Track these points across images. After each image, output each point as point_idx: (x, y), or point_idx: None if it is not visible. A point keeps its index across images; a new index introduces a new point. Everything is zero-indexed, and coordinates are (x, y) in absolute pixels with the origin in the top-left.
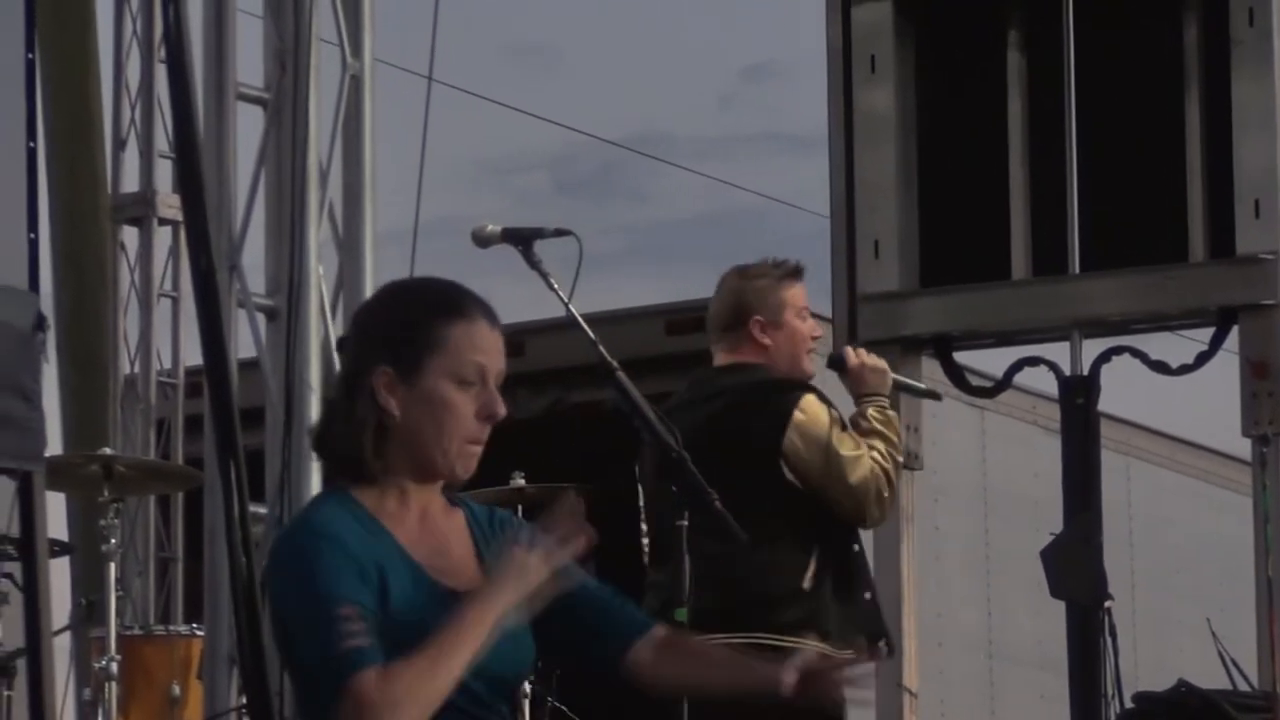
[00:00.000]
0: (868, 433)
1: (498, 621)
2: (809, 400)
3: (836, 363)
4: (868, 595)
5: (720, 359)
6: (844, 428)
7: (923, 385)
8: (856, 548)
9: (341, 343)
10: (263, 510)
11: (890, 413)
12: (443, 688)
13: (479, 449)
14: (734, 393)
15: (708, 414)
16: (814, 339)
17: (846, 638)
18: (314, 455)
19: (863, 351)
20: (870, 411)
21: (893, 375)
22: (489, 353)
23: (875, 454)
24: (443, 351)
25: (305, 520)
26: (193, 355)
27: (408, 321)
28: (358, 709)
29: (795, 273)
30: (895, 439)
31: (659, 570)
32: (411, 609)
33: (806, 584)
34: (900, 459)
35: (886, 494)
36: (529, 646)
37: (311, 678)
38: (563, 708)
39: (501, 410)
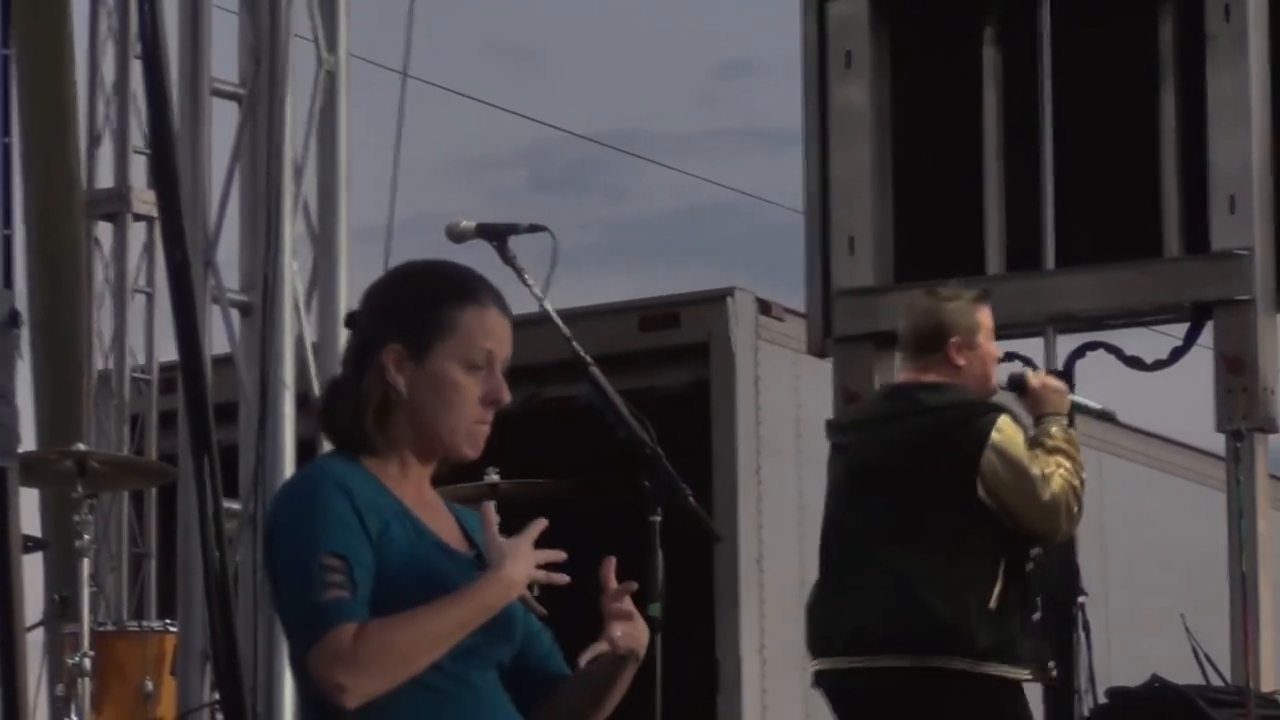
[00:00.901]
0: (1052, 450)
1: (490, 609)
2: (1005, 421)
3: (1017, 383)
4: (1036, 616)
5: (910, 376)
6: (1033, 447)
7: (1098, 406)
8: (1030, 567)
9: (351, 318)
10: (236, 506)
11: (1072, 431)
12: (418, 661)
13: (485, 429)
14: (937, 411)
15: (912, 430)
16: (998, 360)
17: (1028, 660)
18: (288, 450)
19: (1042, 373)
20: (1053, 430)
21: (1070, 396)
22: (498, 339)
23: (1063, 470)
24: (454, 335)
25: (315, 466)
26: (167, 351)
27: (422, 302)
28: (328, 661)
29: (984, 296)
30: (1078, 456)
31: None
32: (416, 560)
33: (993, 604)
34: (1084, 476)
35: (1076, 509)
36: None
37: (291, 624)
38: None
39: (506, 396)
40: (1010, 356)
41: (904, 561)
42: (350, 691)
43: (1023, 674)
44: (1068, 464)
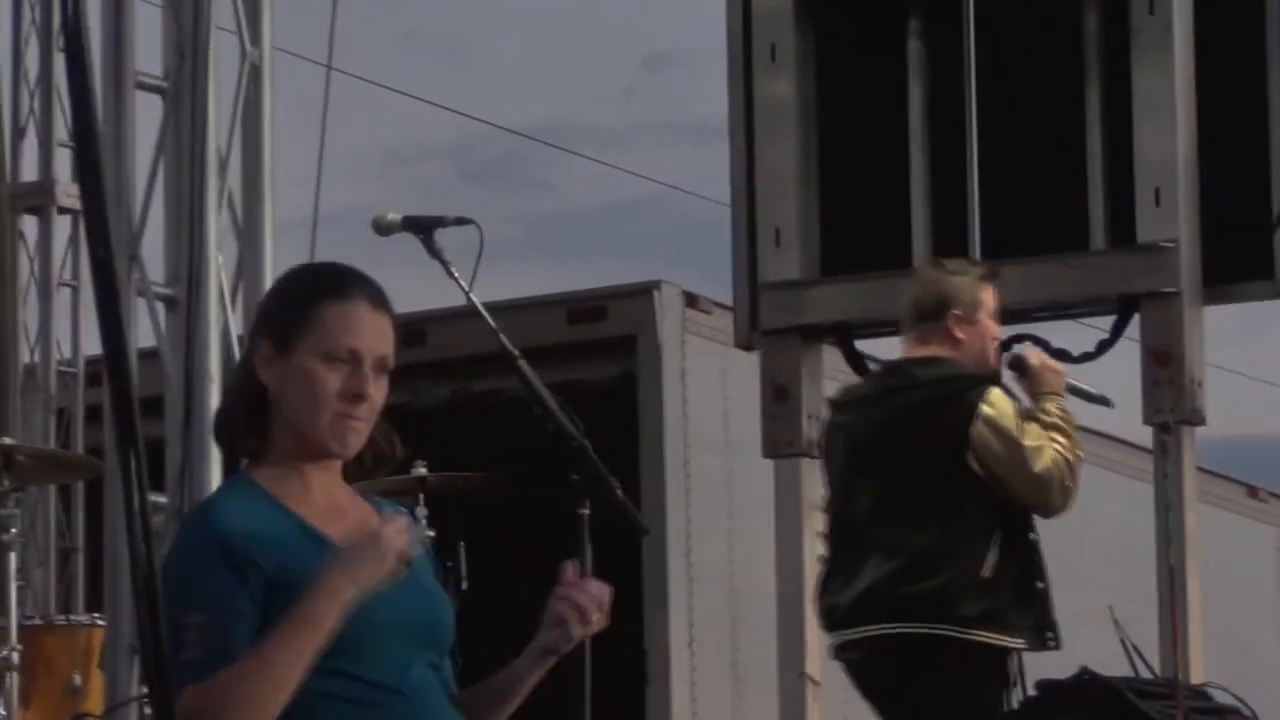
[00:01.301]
0: (1049, 426)
1: (322, 618)
2: (996, 393)
3: (1017, 363)
4: (1040, 585)
5: (911, 350)
6: (1027, 421)
7: (1094, 391)
8: (1033, 536)
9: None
10: (163, 500)
11: (1067, 408)
12: (275, 696)
13: (356, 424)
14: (929, 385)
15: (906, 403)
16: (997, 340)
17: (1021, 628)
18: (214, 444)
19: (1042, 353)
20: (1049, 406)
21: (1068, 380)
22: (363, 335)
23: (1057, 445)
24: (316, 329)
25: (201, 514)
26: (92, 344)
27: (291, 299)
28: (186, 710)
29: (992, 274)
30: (1073, 432)
31: None
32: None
33: (988, 572)
34: (1081, 453)
35: (1069, 483)
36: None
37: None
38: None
39: (369, 390)
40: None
41: (898, 538)
42: None
43: (1013, 642)
44: (1063, 440)
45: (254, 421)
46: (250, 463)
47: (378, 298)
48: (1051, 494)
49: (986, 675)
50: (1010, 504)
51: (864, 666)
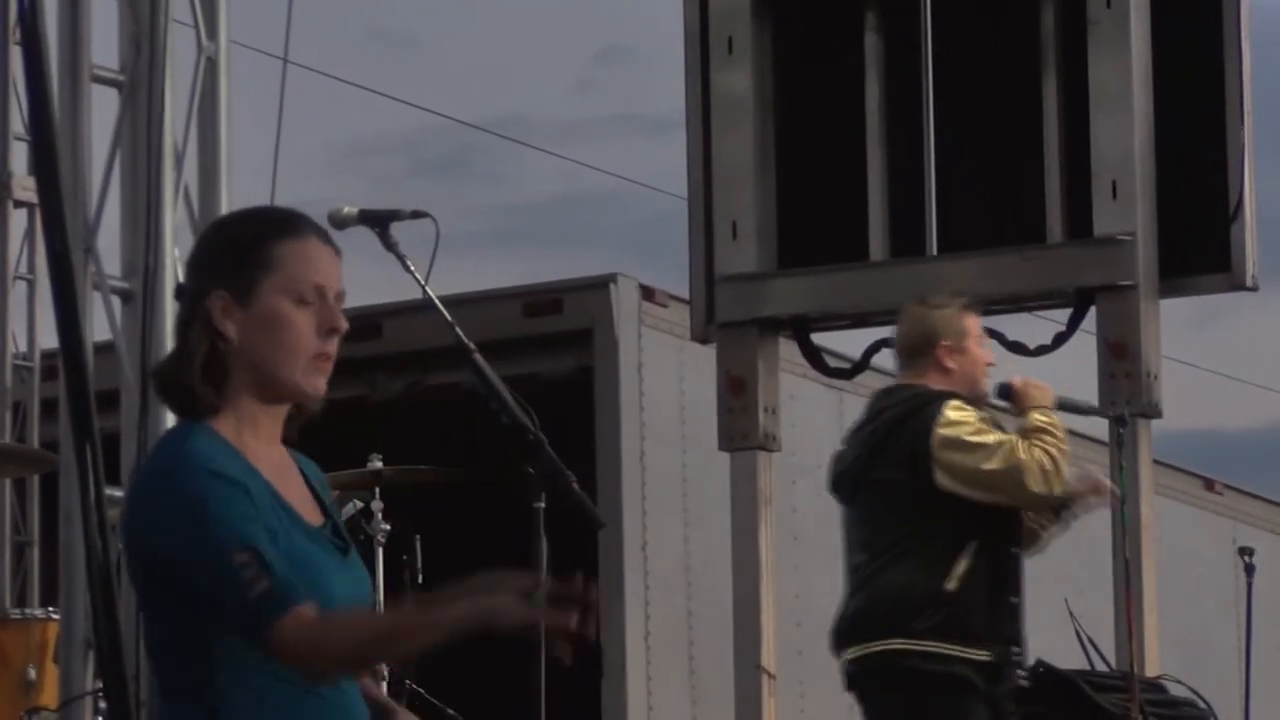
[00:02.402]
0: (1031, 431)
1: (447, 632)
2: (952, 405)
3: (1004, 390)
4: (1014, 600)
5: (900, 382)
6: (993, 426)
7: (1084, 402)
8: (1015, 550)
9: (179, 290)
10: (119, 493)
11: (1052, 415)
12: (368, 661)
13: (327, 364)
14: (891, 409)
15: (873, 429)
16: (989, 365)
17: (986, 640)
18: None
19: (1026, 377)
20: (1033, 416)
21: (1055, 394)
22: (325, 271)
23: (1036, 446)
24: (277, 270)
25: (184, 457)
26: (48, 338)
27: (239, 244)
28: (296, 645)
29: (972, 305)
30: (1059, 433)
31: None
32: (291, 545)
33: (951, 585)
34: (1065, 448)
35: (1049, 467)
36: (368, 589)
37: (238, 630)
38: (420, 690)
39: (343, 323)
40: (893, 342)
41: (872, 561)
42: (324, 675)
43: (972, 653)
44: (1044, 438)
45: (213, 376)
46: (195, 414)
47: (323, 232)
48: (1025, 482)
49: (945, 687)
50: (996, 509)
51: (853, 687)
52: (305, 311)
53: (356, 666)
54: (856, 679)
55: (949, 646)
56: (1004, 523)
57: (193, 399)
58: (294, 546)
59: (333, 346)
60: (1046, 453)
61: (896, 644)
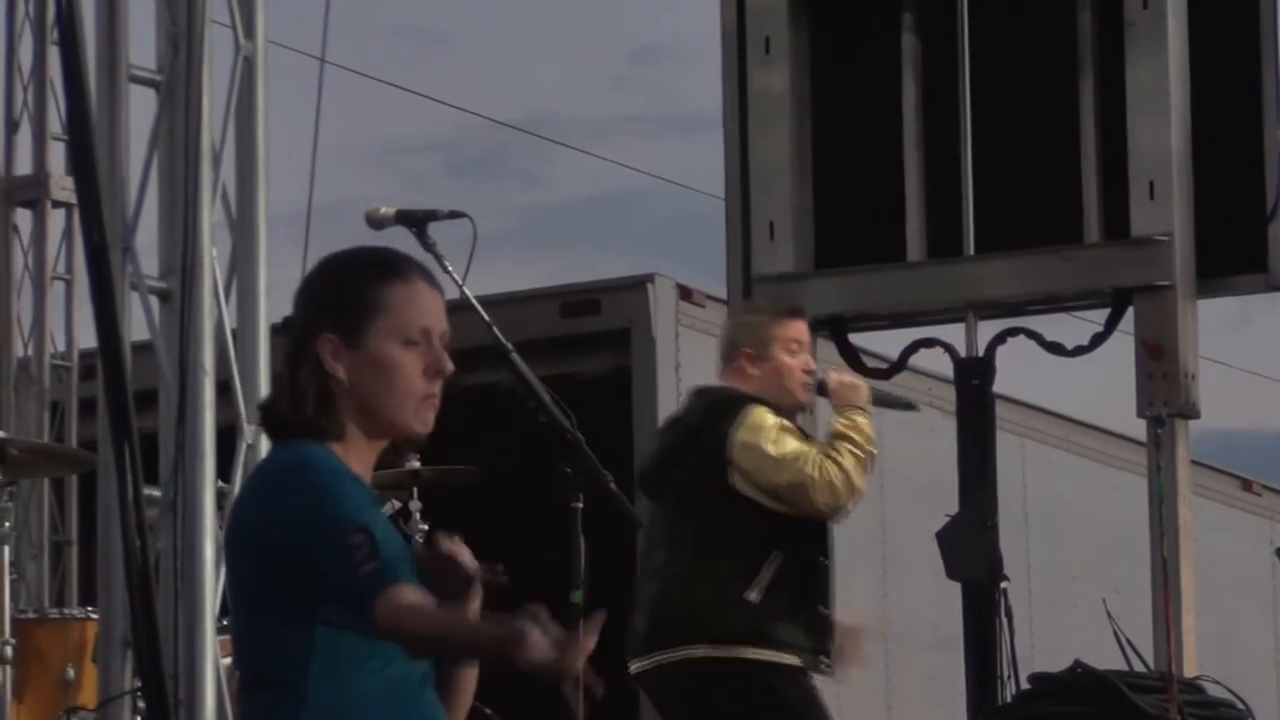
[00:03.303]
0: (833, 438)
1: (484, 655)
2: (751, 409)
3: (820, 387)
4: (823, 609)
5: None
6: (792, 435)
7: (901, 397)
8: (824, 560)
9: (286, 323)
10: (156, 493)
11: (858, 418)
12: (433, 652)
13: (434, 403)
14: (693, 412)
15: (679, 427)
16: (807, 373)
17: (795, 647)
18: (208, 438)
19: (839, 373)
20: (840, 419)
21: (872, 388)
22: (430, 313)
23: (832, 450)
24: (385, 313)
25: (308, 458)
26: (87, 338)
27: (347, 287)
28: (404, 616)
29: (793, 311)
30: (860, 440)
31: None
32: (394, 553)
33: (754, 595)
34: (866, 456)
35: (838, 482)
36: None
37: (343, 601)
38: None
39: (449, 366)
40: (930, 342)
41: (670, 563)
42: (429, 638)
43: (784, 658)
44: (843, 446)
45: (327, 410)
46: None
47: (428, 274)
48: (811, 496)
49: (755, 691)
50: (794, 524)
51: (656, 696)
52: (413, 353)
53: (427, 653)
54: (655, 688)
55: (760, 652)
56: (811, 531)
57: (314, 432)
58: (393, 550)
59: (438, 387)
60: (839, 464)
61: (702, 650)
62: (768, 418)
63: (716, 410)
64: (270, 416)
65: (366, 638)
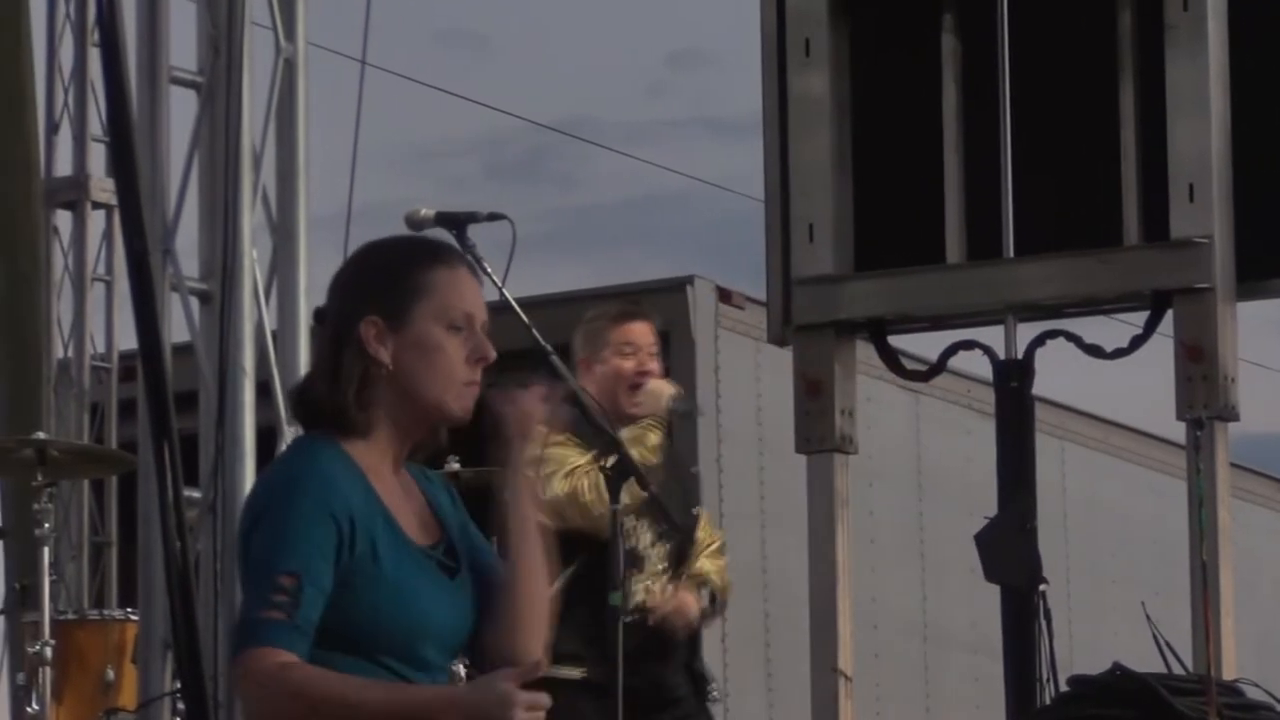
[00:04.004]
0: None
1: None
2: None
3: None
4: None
5: None
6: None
7: (690, 405)
8: (569, 571)
9: (320, 313)
10: (196, 495)
11: (643, 429)
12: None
13: (475, 390)
14: None
15: None
16: (640, 374)
17: (586, 659)
18: (249, 439)
19: (657, 382)
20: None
21: (668, 395)
22: (473, 300)
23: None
24: (430, 296)
25: (303, 456)
26: (127, 339)
27: (392, 271)
28: (246, 681)
29: (628, 313)
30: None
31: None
32: (395, 569)
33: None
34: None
35: (583, 497)
36: (469, 611)
37: (234, 626)
38: None
39: (491, 353)
40: (969, 344)
41: None
42: (252, 715)
43: (561, 672)
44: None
45: (364, 400)
46: (334, 433)
47: (470, 263)
48: (565, 510)
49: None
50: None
51: None
52: (456, 338)
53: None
54: None
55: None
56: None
57: (345, 421)
58: (396, 570)
59: (479, 374)
60: (588, 476)
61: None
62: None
63: None
64: (304, 399)
65: (357, 660)
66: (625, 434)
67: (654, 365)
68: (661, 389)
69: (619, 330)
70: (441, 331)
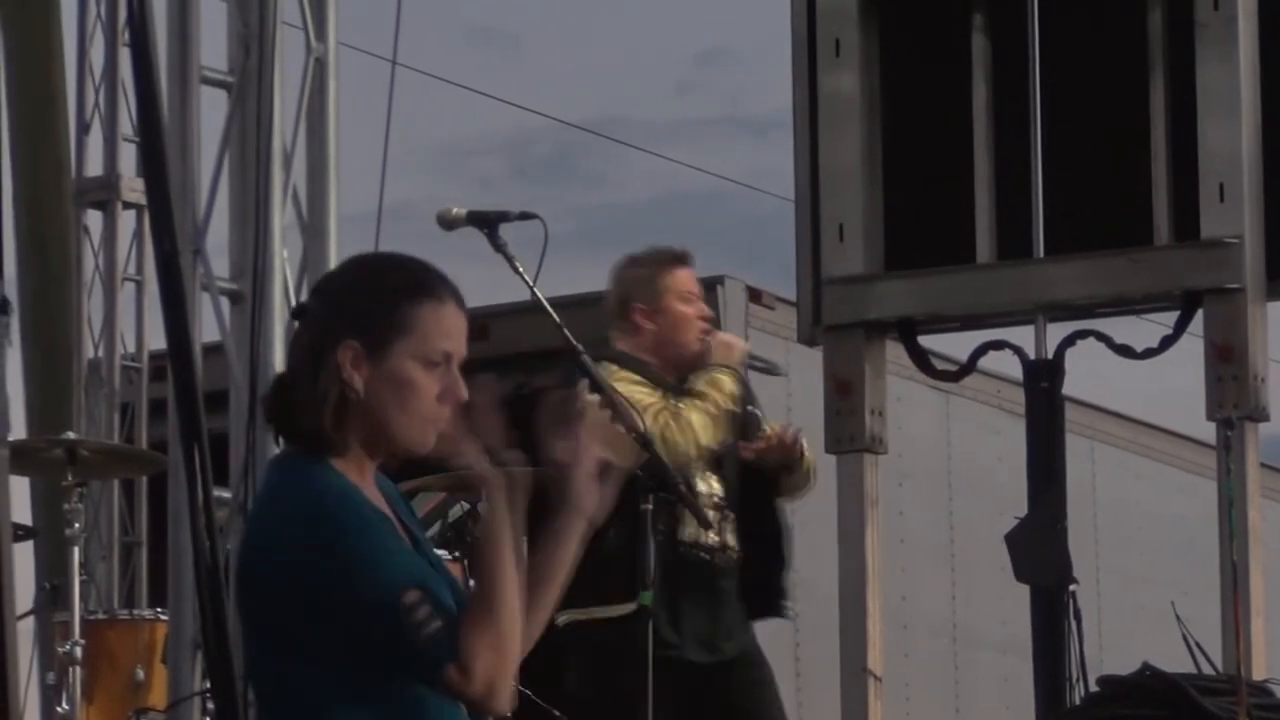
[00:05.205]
0: (691, 394)
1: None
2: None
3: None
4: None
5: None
6: (640, 388)
7: (768, 360)
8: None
9: (301, 310)
10: (226, 495)
11: (721, 375)
12: (517, 634)
13: (442, 427)
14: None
15: None
16: (704, 320)
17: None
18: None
19: (724, 334)
20: (702, 375)
21: (743, 350)
22: (455, 337)
23: (680, 409)
24: (411, 333)
25: (317, 492)
26: (157, 339)
27: (378, 298)
28: (461, 695)
29: (679, 259)
30: (716, 396)
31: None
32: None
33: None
34: (717, 412)
35: (674, 437)
36: None
37: (409, 668)
38: (525, 690)
39: (464, 394)
40: (999, 344)
41: None
42: (501, 701)
43: (615, 611)
44: (692, 402)
45: (339, 421)
46: (311, 450)
47: (459, 295)
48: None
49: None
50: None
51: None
52: (432, 375)
53: (515, 659)
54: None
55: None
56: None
57: (323, 441)
58: (422, 570)
59: (447, 414)
60: (680, 418)
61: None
62: (624, 372)
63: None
64: (281, 410)
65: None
66: (698, 378)
67: (709, 312)
68: (734, 341)
69: (675, 277)
70: (418, 369)
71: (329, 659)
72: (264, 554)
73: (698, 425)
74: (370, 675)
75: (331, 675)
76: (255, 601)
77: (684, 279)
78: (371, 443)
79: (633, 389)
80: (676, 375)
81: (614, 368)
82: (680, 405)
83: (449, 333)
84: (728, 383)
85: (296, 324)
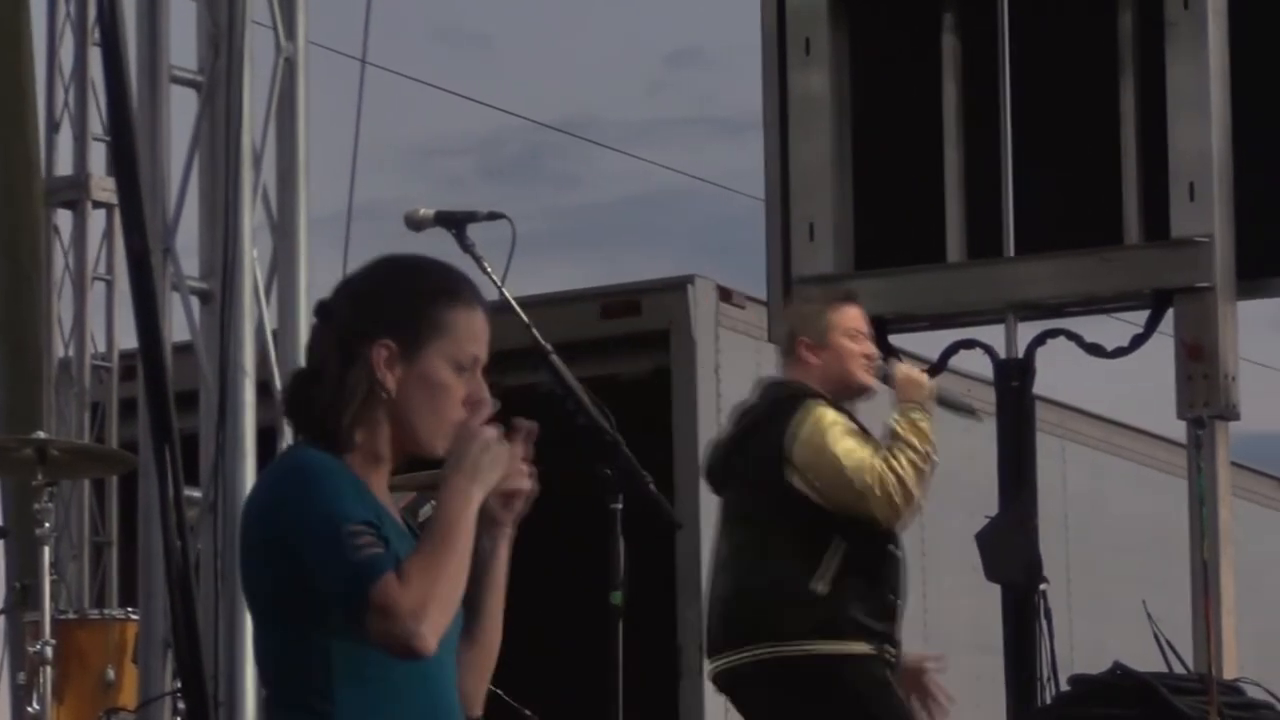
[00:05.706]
0: (894, 437)
1: (461, 522)
2: (810, 406)
3: (884, 375)
4: (892, 597)
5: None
6: (854, 434)
7: (964, 401)
8: (893, 548)
9: (324, 307)
10: (197, 494)
11: (916, 417)
12: (459, 585)
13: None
14: (756, 406)
15: (735, 429)
16: (867, 357)
17: (867, 634)
18: (250, 439)
19: (906, 365)
20: (901, 418)
21: (934, 387)
22: (482, 341)
23: (891, 457)
24: (445, 335)
25: (305, 456)
26: (127, 338)
27: (414, 301)
28: (385, 617)
29: (846, 297)
30: (918, 444)
31: None
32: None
33: (820, 586)
34: (926, 464)
35: (895, 494)
36: None
37: (337, 599)
38: (498, 691)
39: (486, 397)
40: (970, 343)
41: (734, 557)
42: (426, 636)
43: (854, 648)
44: (907, 452)
45: (362, 418)
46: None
47: (485, 301)
48: (869, 504)
49: (829, 688)
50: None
51: (732, 693)
52: (459, 379)
53: (451, 601)
54: (730, 689)
55: (829, 645)
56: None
57: (340, 437)
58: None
59: (469, 418)
60: (899, 476)
61: (768, 650)
62: (827, 415)
63: (781, 404)
64: (303, 404)
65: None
66: (900, 422)
67: (875, 351)
68: (919, 376)
69: (845, 314)
70: (448, 371)
71: (324, 633)
72: (249, 523)
73: (911, 480)
74: (369, 653)
75: (328, 652)
76: (248, 572)
77: (851, 316)
78: (395, 443)
79: (846, 440)
80: (851, 401)
81: (823, 409)
82: (892, 459)
83: (477, 337)
84: (926, 427)
85: (316, 321)
